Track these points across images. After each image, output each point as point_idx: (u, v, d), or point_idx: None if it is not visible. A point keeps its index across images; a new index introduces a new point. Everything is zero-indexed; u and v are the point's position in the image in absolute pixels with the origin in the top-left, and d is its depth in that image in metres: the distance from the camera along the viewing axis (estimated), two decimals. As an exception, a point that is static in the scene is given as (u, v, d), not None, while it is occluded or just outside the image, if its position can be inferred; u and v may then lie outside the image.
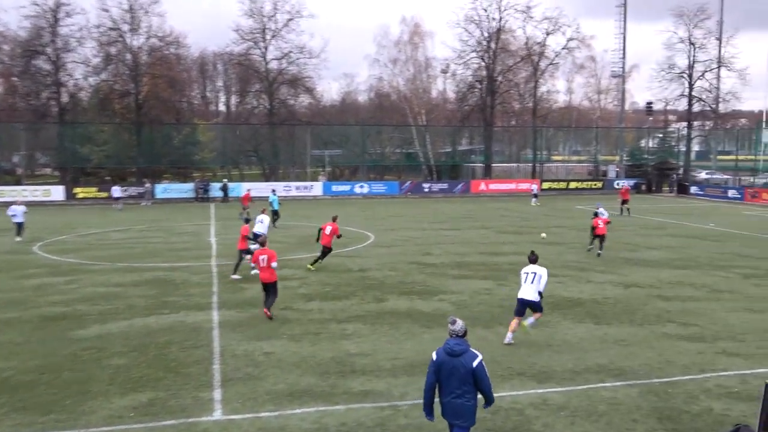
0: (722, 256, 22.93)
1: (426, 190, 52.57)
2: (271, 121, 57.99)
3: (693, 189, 51.68)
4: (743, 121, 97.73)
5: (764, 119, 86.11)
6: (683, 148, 64.33)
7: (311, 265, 19.40)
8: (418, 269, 20.04)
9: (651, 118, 72.02)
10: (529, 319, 12.61)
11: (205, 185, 48.15)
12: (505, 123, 69.72)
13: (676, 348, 12.39)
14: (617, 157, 65.80)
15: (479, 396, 7.46)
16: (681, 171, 59.08)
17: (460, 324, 7.47)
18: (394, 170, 68.18)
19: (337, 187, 51.40)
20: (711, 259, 22.28)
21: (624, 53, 63.37)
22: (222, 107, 74.56)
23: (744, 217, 36.60)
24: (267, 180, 57.35)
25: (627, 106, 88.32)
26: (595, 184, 55.86)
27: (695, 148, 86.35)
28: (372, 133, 62.20)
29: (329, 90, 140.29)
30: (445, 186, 53.34)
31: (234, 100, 68.74)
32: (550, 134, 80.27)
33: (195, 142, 55.04)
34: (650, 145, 65.02)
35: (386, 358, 11.82)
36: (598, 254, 22.56)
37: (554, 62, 63.93)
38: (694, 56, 59.50)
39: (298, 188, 49.36)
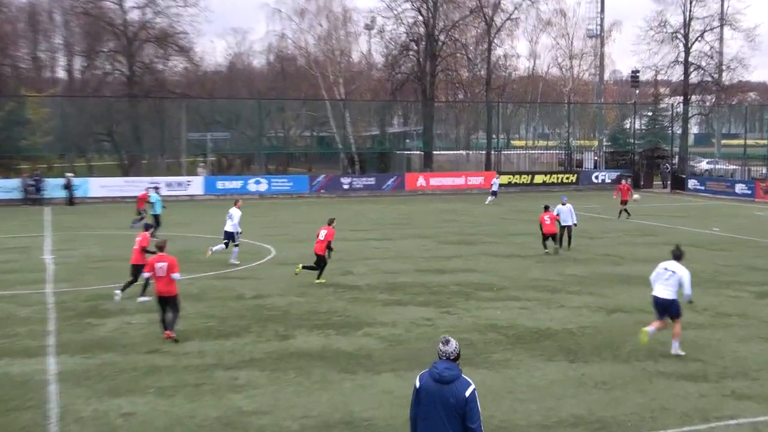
0: (729, 269, 23.91)
1: (345, 186, 52.68)
2: (131, 92, 56.73)
3: (691, 183, 53.88)
4: (752, 95, 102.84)
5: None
6: (679, 131, 67.00)
7: (318, 279, 21.35)
8: (336, 294, 20.01)
9: (638, 92, 74.67)
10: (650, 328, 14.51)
11: (37, 181, 46.68)
12: (450, 97, 70.75)
13: (673, 390, 12.79)
14: (595, 142, 67.88)
15: None
16: (676, 160, 61.42)
17: (453, 345, 7.68)
18: (303, 160, 68.11)
19: (223, 183, 50.86)
20: (715, 273, 23.20)
21: (602, 6, 65.57)
22: (61, 73, 72.53)
23: (755, 218, 38.39)
24: (125, 174, 56.09)
25: (607, 76, 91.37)
26: (568, 178, 57.40)
27: (693, 130, 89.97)
28: (272, 109, 61.92)
29: (212, 51, 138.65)
30: (371, 181, 53.62)
31: (79, 63, 66.97)
32: (510, 112, 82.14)
33: (22, 122, 53.22)
34: (637, 126, 67.38)
35: (292, 416, 11.70)
36: (546, 253, 25.61)
37: (513, 17, 65.47)
38: (690, 12, 62.12)
39: (169, 185, 48.51)
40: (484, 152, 63.12)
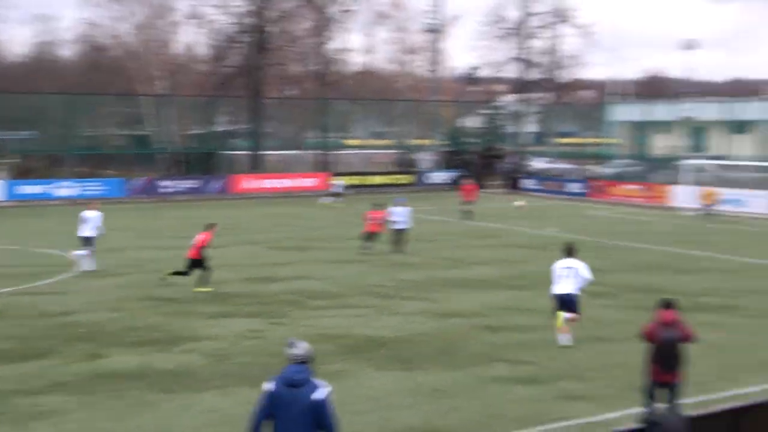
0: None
1: (167, 189, 51.59)
2: None
3: (528, 182, 56.29)
4: (587, 93, 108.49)
5: (612, 91, 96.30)
6: (515, 129, 69.86)
7: (200, 287, 21.34)
8: (155, 307, 19.61)
9: (475, 89, 77.36)
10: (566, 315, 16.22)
11: None
12: (281, 93, 70.52)
13: (507, 395, 13.39)
14: (433, 141, 69.57)
15: None
16: (514, 159, 63.96)
17: (303, 347, 7.98)
18: (118, 161, 65.79)
19: (26, 188, 48.58)
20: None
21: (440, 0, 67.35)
22: None
23: (588, 218, 40.62)
24: None
25: (444, 72, 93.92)
26: (404, 179, 58.58)
27: (530, 128, 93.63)
28: (83, 105, 59.55)
29: (12, 40, 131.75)
30: (194, 184, 52.77)
31: None
32: (344, 109, 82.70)
33: None
34: (474, 124, 69.67)
35: (105, 442, 11.38)
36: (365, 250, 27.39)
37: (347, 8, 66.17)
38: (527, 7, 64.95)
39: (-38, 191, 45.81)
40: (317, 152, 63.37)
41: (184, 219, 39.29)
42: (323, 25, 63.61)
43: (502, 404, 12.97)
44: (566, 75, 67.28)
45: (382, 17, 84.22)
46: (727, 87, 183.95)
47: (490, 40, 65.30)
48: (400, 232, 28.48)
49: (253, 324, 17.99)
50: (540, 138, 77.07)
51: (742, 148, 67.89)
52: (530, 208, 45.35)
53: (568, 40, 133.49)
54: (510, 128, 69.59)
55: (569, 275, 16.53)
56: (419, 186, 58.21)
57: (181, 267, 22.03)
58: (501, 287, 22.45)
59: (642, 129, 78.64)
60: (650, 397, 11.68)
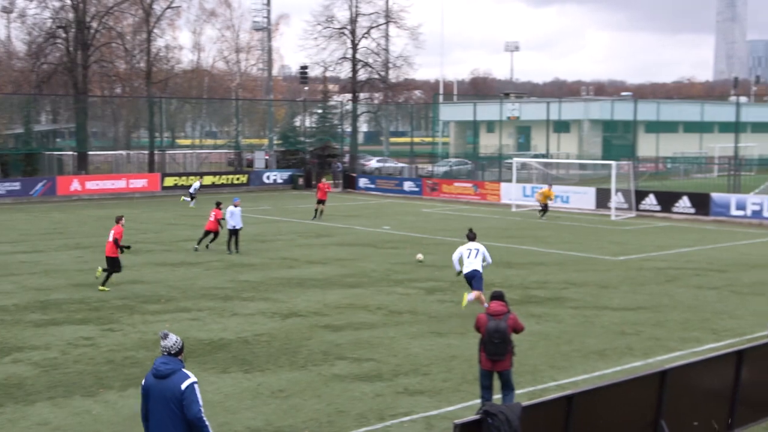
0: (401, 267, 25.67)
1: (-15, 193, 48.89)
2: None
3: (362, 181, 56.94)
4: (418, 93, 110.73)
5: (441, 91, 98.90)
6: (349, 129, 70.47)
7: (102, 286, 21.75)
8: (-24, 317, 18.58)
9: (307, 88, 77.45)
10: (469, 296, 18.48)
11: None
12: (106, 91, 68.35)
13: (349, 392, 13.50)
14: (266, 141, 69.23)
15: None
16: (347, 158, 64.54)
17: (173, 339, 8.17)
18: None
19: None
20: (388, 272, 24.78)
21: (268, -2, 66.90)
22: None
23: (423, 216, 41.51)
24: None
25: (276, 71, 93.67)
26: (238, 179, 58.03)
27: (363, 128, 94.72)
28: None
29: None
30: (16, 186, 50.26)
31: None
32: (174, 108, 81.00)
33: None
34: (308, 124, 69.85)
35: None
36: (196, 249, 28.18)
37: (174, 5, 64.86)
38: (357, 8, 65.58)
39: None
40: (147, 152, 61.77)
41: (5, 224, 37.44)
42: (149, 22, 61.94)
43: (345, 402, 13.06)
44: (397, 75, 68.38)
45: (210, 15, 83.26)
46: (548, 88, 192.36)
47: (320, 40, 65.50)
48: (234, 232, 28.27)
49: (84, 331, 17.36)
50: (373, 137, 78.14)
51: (565, 146, 71.28)
52: (366, 206, 45.87)
53: (398, 42, 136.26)
54: (343, 128, 70.16)
55: (476, 255, 18.80)
56: (254, 186, 57.79)
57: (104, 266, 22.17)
58: (339, 285, 22.61)
59: (471, 128, 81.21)
60: (484, 387, 12.05)
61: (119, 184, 52.73)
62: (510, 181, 46.75)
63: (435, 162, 60.74)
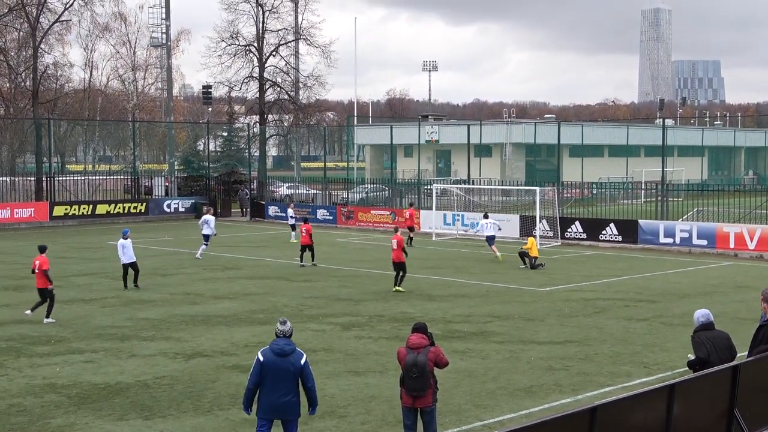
0: (314, 301, 25.59)
1: None
2: None
3: (272, 209, 56.69)
4: (330, 114, 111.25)
5: (356, 113, 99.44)
6: (256, 153, 70.15)
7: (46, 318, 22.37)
8: None
9: (210, 109, 76.88)
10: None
11: None
12: (-13, 112, 66.76)
13: (260, 439, 13.34)
14: (166, 166, 68.46)
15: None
16: (254, 185, 64.20)
17: (289, 325, 11.51)
18: None
19: None
20: (301, 306, 24.68)
21: (168, 13, 66.51)
22: None
23: (338, 246, 41.51)
24: None
25: (176, 91, 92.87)
26: (136, 207, 57.12)
27: (272, 152, 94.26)
28: None
29: None
30: None
31: None
32: (64, 131, 79.57)
33: None
34: (212, 147, 69.29)
35: None
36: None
37: (63, 19, 63.74)
38: (264, 24, 65.58)
39: None
40: (33, 179, 60.35)
41: None
42: (36, 36, 60.70)
43: (255, 449, 12.91)
44: (308, 96, 68.45)
45: (104, 30, 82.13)
46: (468, 110, 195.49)
47: (224, 57, 65.14)
48: (129, 266, 27.60)
49: (-36, 377, 16.79)
50: (283, 162, 77.94)
51: (487, 171, 72.30)
52: (275, 237, 45.65)
53: (309, 60, 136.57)
54: (251, 152, 69.83)
55: (491, 225, 32.70)
56: (153, 215, 56.96)
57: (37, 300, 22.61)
58: (248, 322, 22.41)
59: (388, 152, 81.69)
60: (406, 426, 12.04)
61: (3, 213, 51.35)
62: (430, 208, 47.12)
63: (350, 188, 60.86)
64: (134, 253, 27.87)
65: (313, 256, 33.74)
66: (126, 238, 27.54)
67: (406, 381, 11.87)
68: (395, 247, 27.74)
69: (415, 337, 12.09)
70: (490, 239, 35.99)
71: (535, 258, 33.11)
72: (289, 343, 11.29)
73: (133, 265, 27.70)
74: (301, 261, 33.71)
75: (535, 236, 36.73)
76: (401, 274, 27.69)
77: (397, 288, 27.48)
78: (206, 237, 36.53)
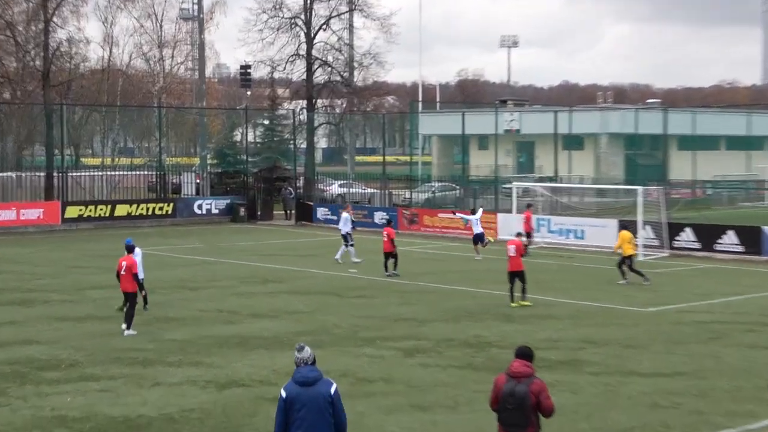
0: (371, 321, 25.50)
1: None
2: None
3: (321, 212, 56.78)
4: (391, 99, 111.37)
5: (421, 98, 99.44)
6: (303, 144, 70.33)
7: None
8: None
9: (249, 93, 77.43)
10: None
11: None
12: (-9, 96, 67.92)
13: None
14: (197, 160, 68.98)
15: None
16: (300, 182, 64.27)
17: (308, 350, 11.10)
18: None
19: None
20: (355, 328, 24.59)
21: (201, -21, 67.03)
22: None
23: (400, 255, 41.33)
24: None
25: (209, 72, 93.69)
26: (162, 208, 57.56)
27: (321, 143, 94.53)
28: None
29: None
30: None
31: None
32: (78, 118, 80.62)
33: None
34: (251, 138, 69.65)
35: None
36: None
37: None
38: (312, -9, 65.73)
39: None
40: (43, 174, 61.24)
41: None
42: (47, 9, 61.60)
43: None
44: (364, 78, 68.49)
45: (125, 0, 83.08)
46: (555, 93, 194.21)
47: (265, 32, 65.43)
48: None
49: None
50: (334, 155, 78.12)
51: (578, 167, 71.65)
52: (324, 244, 45.69)
53: (365, 35, 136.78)
54: (297, 143, 70.01)
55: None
56: (182, 217, 57.41)
57: None
58: (291, 346, 22.18)
59: (458, 144, 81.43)
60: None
61: (7, 215, 52.19)
62: (509, 211, 46.80)
63: (413, 187, 60.78)
64: (146, 264, 26.89)
65: (396, 264, 34.58)
66: (132, 251, 25.32)
67: (501, 414, 11.69)
68: (513, 253, 27.94)
69: (519, 364, 11.86)
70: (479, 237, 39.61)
71: (631, 257, 32.42)
72: (313, 369, 11.01)
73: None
74: (386, 270, 34.32)
75: (628, 228, 34.97)
76: (522, 285, 27.98)
77: (521, 302, 27.77)
78: (345, 237, 38.13)
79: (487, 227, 46.94)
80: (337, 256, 37.99)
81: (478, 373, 19.55)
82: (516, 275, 27.89)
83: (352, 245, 38.18)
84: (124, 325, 23.58)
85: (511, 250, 27.97)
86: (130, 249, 24.48)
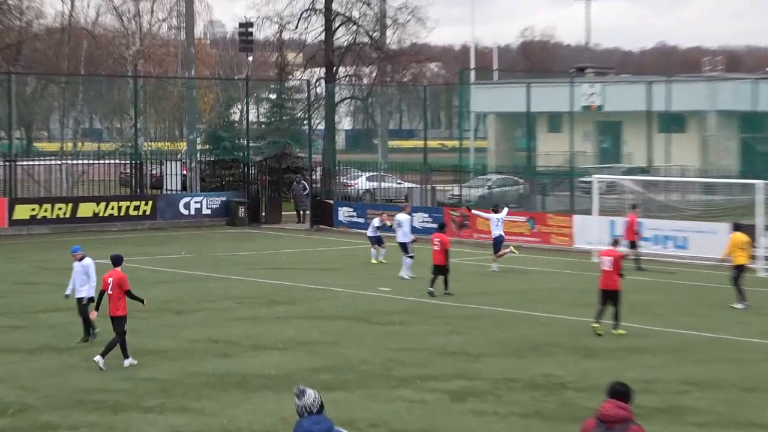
0: (409, 355, 25.47)
1: None
2: None
3: (343, 213, 56.63)
4: (435, 68, 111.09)
5: (473, 65, 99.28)
6: (321, 125, 70.24)
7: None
8: None
9: (251, 59, 77.49)
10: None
11: None
12: None
13: None
14: (183, 145, 69.06)
15: None
16: (317, 174, 64.02)
17: (312, 395, 10.66)
18: None
19: None
20: (389, 363, 24.52)
21: None
22: None
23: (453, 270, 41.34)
24: None
25: (199, 32, 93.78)
26: (139, 207, 57.53)
27: (345, 124, 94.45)
28: None
29: None
30: None
31: None
32: (31, 91, 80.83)
33: None
34: (253, 117, 69.60)
35: None
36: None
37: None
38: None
39: None
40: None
41: None
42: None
43: None
44: (400, 39, 68.50)
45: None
46: (649, 59, 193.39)
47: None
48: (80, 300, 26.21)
49: None
50: (361, 139, 77.87)
51: (679, 154, 71.28)
52: (348, 254, 45.68)
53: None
54: (312, 124, 69.97)
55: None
56: (164, 219, 57.50)
57: None
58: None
59: (522, 125, 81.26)
60: None
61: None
62: (589, 212, 46.60)
63: (464, 181, 60.68)
64: (98, 279, 26.44)
65: (446, 282, 34.57)
66: (80, 259, 26.33)
67: None
68: (608, 267, 27.89)
69: (611, 406, 11.68)
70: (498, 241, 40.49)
71: (742, 267, 32.09)
72: (318, 420, 10.74)
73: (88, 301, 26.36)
74: (432, 287, 34.13)
75: (741, 230, 34.52)
76: (615, 309, 27.87)
77: (614, 330, 27.66)
78: (403, 246, 39.09)
79: (560, 232, 46.79)
80: (403, 273, 38.19)
81: (549, 423, 19.50)
82: (609, 296, 27.72)
83: (411, 257, 38.54)
84: (125, 360, 23.96)
85: (606, 263, 27.84)
86: (117, 261, 24.66)
